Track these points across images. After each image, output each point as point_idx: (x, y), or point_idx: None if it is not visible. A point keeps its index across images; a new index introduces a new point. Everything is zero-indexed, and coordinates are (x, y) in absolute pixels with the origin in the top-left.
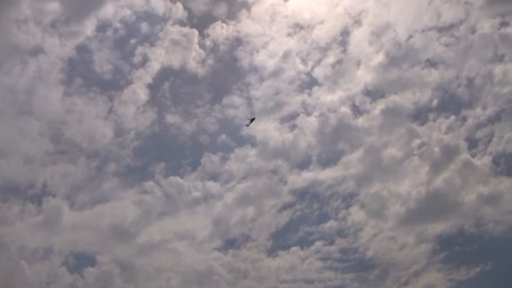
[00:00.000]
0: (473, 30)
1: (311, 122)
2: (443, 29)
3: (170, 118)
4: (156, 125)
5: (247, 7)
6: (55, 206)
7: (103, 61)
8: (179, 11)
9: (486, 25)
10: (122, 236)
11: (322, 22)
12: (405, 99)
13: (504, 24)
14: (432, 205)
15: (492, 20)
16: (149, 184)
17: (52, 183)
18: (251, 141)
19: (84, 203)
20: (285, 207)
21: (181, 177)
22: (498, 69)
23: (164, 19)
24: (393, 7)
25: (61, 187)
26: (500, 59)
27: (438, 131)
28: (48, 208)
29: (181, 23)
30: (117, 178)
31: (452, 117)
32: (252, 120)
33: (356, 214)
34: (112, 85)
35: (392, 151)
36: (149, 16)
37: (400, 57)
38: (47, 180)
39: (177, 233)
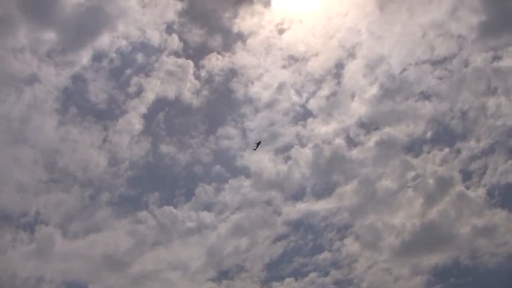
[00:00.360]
0: (466, 64)
1: (305, 153)
2: (436, 63)
3: (165, 148)
4: (150, 155)
5: (243, 39)
6: (47, 234)
7: (98, 91)
8: (174, 42)
9: (479, 59)
10: (115, 266)
11: (316, 55)
12: (399, 131)
13: (496, 58)
14: (427, 237)
15: (484, 54)
16: (142, 214)
17: (45, 212)
18: (245, 172)
19: (77, 232)
20: (279, 238)
21: (175, 207)
22: (491, 102)
23: (159, 50)
24: (387, 40)
25: (54, 216)
26: (493, 92)
27: (432, 163)
28: (41, 237)
29: (177, 54)
30: (110, 208)
31: (446, 149)
32: (258, 144)
33: (351, 246)
34: (107, 115)
35: (387, 183)
36: (144, 47)
37: (394, 89)
38: (40, 208)
39: (171, 263)
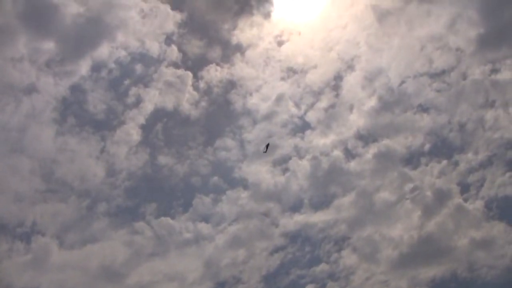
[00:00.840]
0: (464, 76)
1: (303, 165)
2: (435, 75)
3: (163, 159)
4: (148, 166)
5: (241, 51)
6: (44, 245)
7: (96, 101)
8: (173, 53)
9: (477, 72)
10: (111, 277)
11: (315, 67)
12: (398, 143)
13: (494, 70)
14: (425, 249)
15: (483, 66)
16: (139, 225)
17: (41, 222)
18: (243, 184)
19: (73, 243)
20: (277, 249)
21: (172, 218)
22: (489, 115)
23: (158, 61)
24: (386, 53)
25: (50, 226)
26: (491, 104)
27: (431, 175)
28: (37, 247)
29: (176, 65)
30: (107, 218)
31: (444, 162)
32: (267, 146)
33: (348, 258)
34: (105, 125)
35: (385, 195)
36: (143, 58)
37: (392, 102)
38: (37, 218)
39: (167, 275)
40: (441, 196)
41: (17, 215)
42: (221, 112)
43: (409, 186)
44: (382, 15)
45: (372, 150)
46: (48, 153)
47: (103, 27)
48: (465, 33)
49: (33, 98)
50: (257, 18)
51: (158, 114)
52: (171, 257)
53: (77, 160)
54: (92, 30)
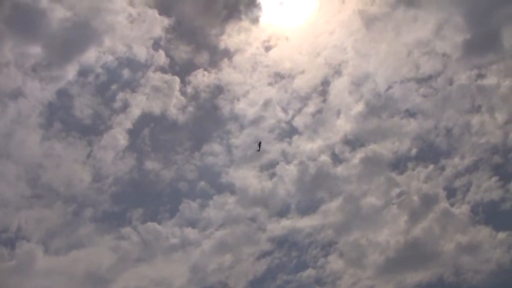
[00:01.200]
0: (450, 82)
1: (290, 170)
2: (421, 80)
3: (149, 164)
4: (135, 171)
5: (229, 56)
6: (29, 250)
7: (83, 106)
8: (161, 58)
9: (463, 77)
10: (97, 283)
11: (302, 72)
12: (385, 148)
13: (480, 76)
14: (411, 254)
15: (469, 72)
16: (126, 230)
17: (26, 227)
18: (230, 189)
19: (59, 248)
20: (264, 255)
21: (159, 223)
22: (475, 120)
23: (146, 66)
24: (373, 58)
25: (36, 232)
26: (477, 109)
27: (417, 180)
28: (22, 253)
29: (163, 70)
30: (93, 224)
31: (431, 166)
32: (259, 144)
33: (335, 263)
34: (92, 130)
35: (371, 200)
36: (131, 63)
37: (379, 107)
38: (22, 224)
39: (154, 280)
40: (428, 201)
41: (1, 221)
42: (209, 117)
43: (395, 191)
44: (369, 21)
45: (359, 155)
46: (34, 158)
47: (90, 31)
48: (452, 39)
49: (19, 103)
50: (245, 23)
51: (145, 119)
52: (158, 263)
53: (63, 165)
54: (79, 35)
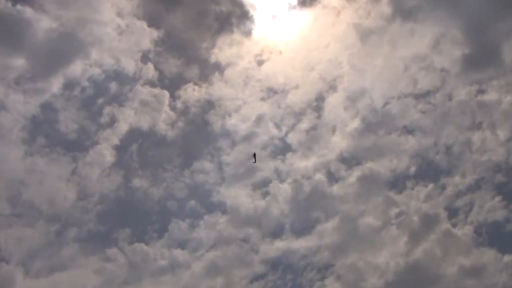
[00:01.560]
0: (450, 97)
1: (284, 189)
2: (419, 96)
3: (137, 182)
4: (122, 189)
5: (220, 70)
6: (8, 272)
7: (68, 120)
8: (150, 71)
9: (463, 92)
10: None
11: (296, 87)
12: (382, 166)
13: (480, 91)
14: (412, 277)
15: (469, 87)
16: (112, 251)
17: (6, 248)
18: (221, 208)
19: (40, 270)
20: (257, 277)
21: (147, 244)
22: (476, 137)
23: (134, 79)
24: (369, 73)
25: (16, 252)
26: (478, 126)
27: (417, 200)
28: (0, 275)
29: (152, 84)
30: (78, 244)
31: (431, 185)
32: (254, 155)
33: (332, 286)
34: (77, 146)
35: (369, 220)
36: (118, 76)
37: (376, 123)
38: (1, 244)
39: None
40: (428, 221)
41: None
42: (199, 133)
43: (394, 210)
44: (364, 35)
45: (356, 173)
46: (16, 174)
47: (76, 43)
48: (450, 53)
49: (1, 117)
50: (237, 36)
51: (133, 135)
52: (145, 286)
53: (46, 182)
54: (65, 46)
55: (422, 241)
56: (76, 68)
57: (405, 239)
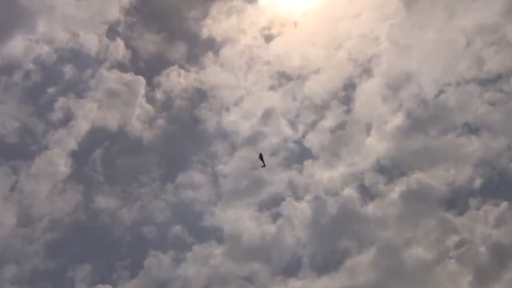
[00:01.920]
0: None
1: (301, 209)
2: (486, 82)
3: (102, 201)
4: (80, 211)
5: (215, 49)
6: None
7: (6, 118)
8: (119, 50)
9: None
10: None
11: (317, 72)
12: (435, 178)
13: None
14: None
15: None
16: None
17: None
18: (216, 235)
19: None
20: None
21: (115, 285)
22: None
23: (97, 61)
24: (416, 51)
25: None
26: None
27: (485, 224)
28: None
29: (122, 68)
30: None
31: (504, 204)
32: (261, 156)
33: None
34: (19, 152)
35: (418, 252)
36: (76, 56)
37: (426, 119)
38: None
39: None
40: (501, 254)
41: None
42: (186, 134)
43: (453, 239)
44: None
45: (399, 187)
46: None
47: (18, 12)
48: None
49: None
50: (237, 2)
51: (96, 137)
52: None
53: None
54: (2, 17)
55: (493, 280)
56: (17, 45)
57: (468, 277)
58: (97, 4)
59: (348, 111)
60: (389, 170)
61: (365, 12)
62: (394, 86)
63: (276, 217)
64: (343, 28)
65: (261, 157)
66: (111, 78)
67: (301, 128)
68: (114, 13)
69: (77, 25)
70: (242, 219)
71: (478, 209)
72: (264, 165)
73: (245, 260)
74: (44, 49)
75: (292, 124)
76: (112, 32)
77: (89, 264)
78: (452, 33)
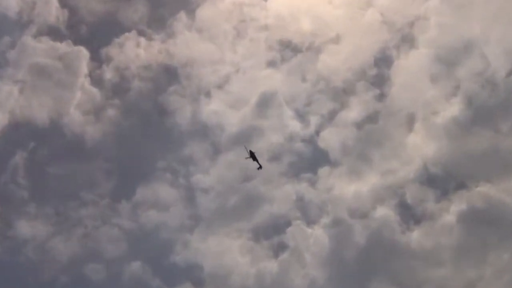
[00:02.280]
0: None
1: (315, 237)
2: None
3: (25, 228)
4: None
5: (189, 8)
6: None
7: None
8: (51, 11)
9: None
10: None
11: (336, 40)
12: (508, 192)
13: None
14: None
15: None
16: None
17: None
18: (192, 276)
19: None
20: None
21: None
22: None
23: (19, 26)
24: (477, 13)
25: None
26: None
27: None
28: None
29: (55, 35)
30: None
31: None
32: (252, 155)
33: None
34: None
35: None
36: None
37: (495, 108)
38: None
39: None
40: None
41: None
42: (148, 130)
43: None
44: None
45: (456, 205)
46: None
47: None
48: None
49: None
50: None
51: (19, 133)
52: None
53: None
54: None
55: None
56: None
57: None
58: None
59: (381, 97)
60: (442, 181)
61: None
62: (448, 61)
63: (278, 249)
64: None
65: (252, 155)
66: (38, 49)
67: (313, 121)
68: None
69: None
70: (229, 252)
71: None
72: (260, 167)
73: None
74: None
75: (301, 116)
76: None
77: None
78: None
